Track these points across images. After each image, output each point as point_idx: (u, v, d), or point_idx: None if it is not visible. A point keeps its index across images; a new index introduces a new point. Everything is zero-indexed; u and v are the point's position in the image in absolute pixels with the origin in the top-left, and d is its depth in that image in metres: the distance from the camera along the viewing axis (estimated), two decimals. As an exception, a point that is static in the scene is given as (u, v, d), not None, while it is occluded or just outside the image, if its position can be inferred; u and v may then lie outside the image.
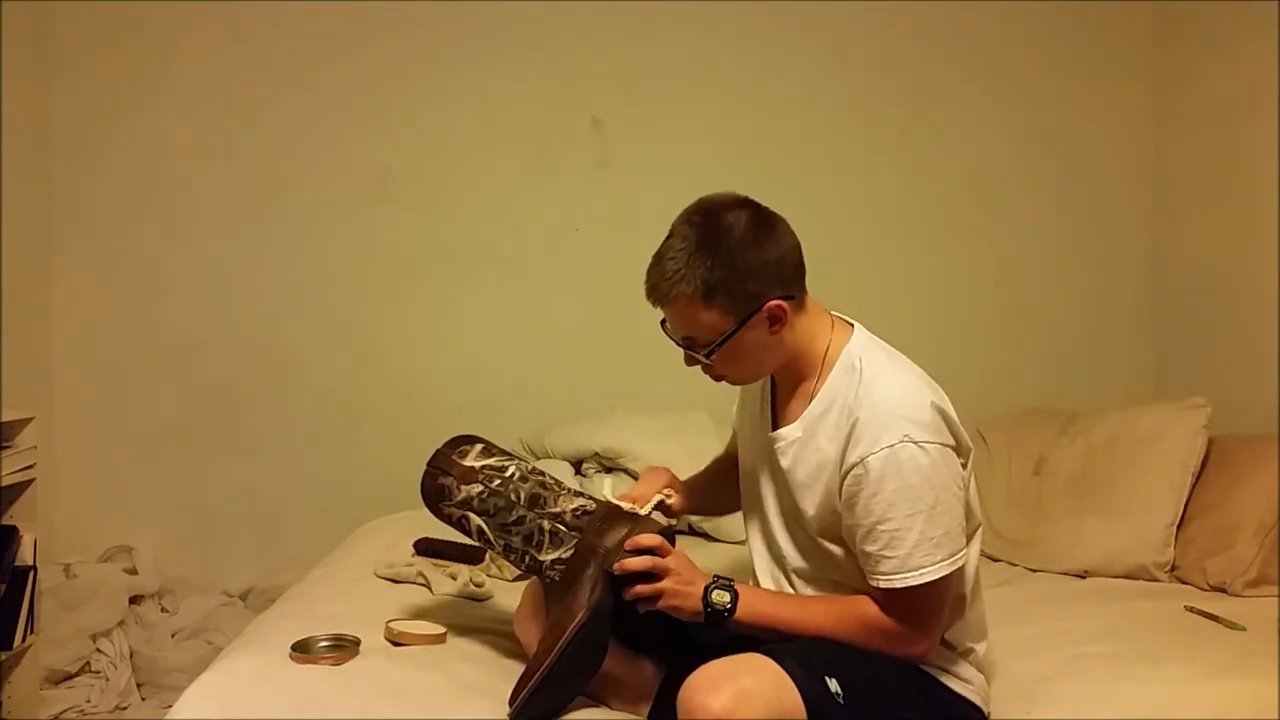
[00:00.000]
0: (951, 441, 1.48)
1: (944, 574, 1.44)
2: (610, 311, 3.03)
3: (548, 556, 1.61)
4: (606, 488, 1.71)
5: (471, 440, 1.73)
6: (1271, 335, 2.81)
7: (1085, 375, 3.35)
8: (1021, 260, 3.38)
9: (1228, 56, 3.05)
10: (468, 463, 1.68)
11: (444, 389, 3.21)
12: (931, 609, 1.48)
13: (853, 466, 1.45)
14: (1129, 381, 3.33)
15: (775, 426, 1.61)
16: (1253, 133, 2.91)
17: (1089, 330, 3.39)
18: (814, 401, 1.54)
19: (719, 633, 1.52)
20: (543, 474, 1.71)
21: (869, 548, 1.46)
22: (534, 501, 1.64)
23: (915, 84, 3.34)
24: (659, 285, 1.51)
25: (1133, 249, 3.38)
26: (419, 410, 3.20)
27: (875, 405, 1.47)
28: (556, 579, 1.60)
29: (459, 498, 1.66)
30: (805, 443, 1.54)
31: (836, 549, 1.54)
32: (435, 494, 1.70)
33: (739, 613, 1.49)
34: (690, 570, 1.52)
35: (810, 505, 1.54)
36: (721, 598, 1.48)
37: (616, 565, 1.51)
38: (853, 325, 1.60)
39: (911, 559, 1.43)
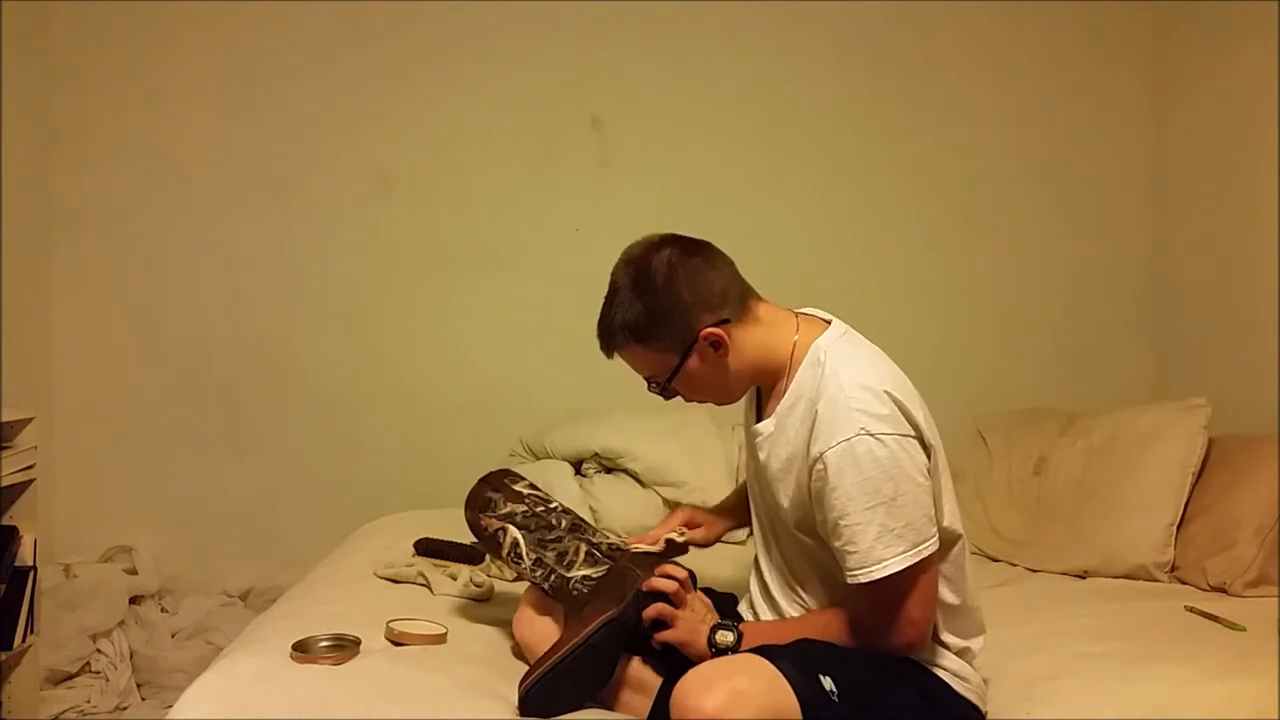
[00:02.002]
0: (912, 432, 1.48)
1: (908, 565, 1.44)
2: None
3: (577, 573, 1.67)
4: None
5: (521, 477, 1.87)
6: (1271, 335, 2.81)
7: (1085, 375, 3.35)
8: (1021, 260, 3.38)
9: (1228, 56, 3.05)
10: (517, 488, 1.82)
11: (444, 389, 3.22)
12: (903, 601, 1.47)
13: (815, 461, 1.48)
14: (1129, 381, 3.33)
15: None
16: (1253, 133, 2.91)
17: (1089, 330, 3.39)
18: (785, 396, 1.57)
19: None
20: (581, 518, 1.82)
21: (835, 543, 1.48)
22: (574, 528, 1.77)
23: (915, 84, 3.34)
24: (603, 339, 1.62)
25: (1133, 249, 3.38)
26: (419, 410, 3.20)
27: (833, 398, 1.49)
28: (584, 591, 1.66)
29: (502, 511, 1.77)
30: (777, 437, 1.57)
31: (811, 541, 1.56)
32: (481, 505, 1.80)
33: (742, 649, 1.52)
34: (704, 611, 1.60)
35: (785, 499, 1.57)
36: (725, 638, 1.53)
37: (646, 583, 1.58)
38: (829, 322, 1.62)
39: (874, 552, 1.43)
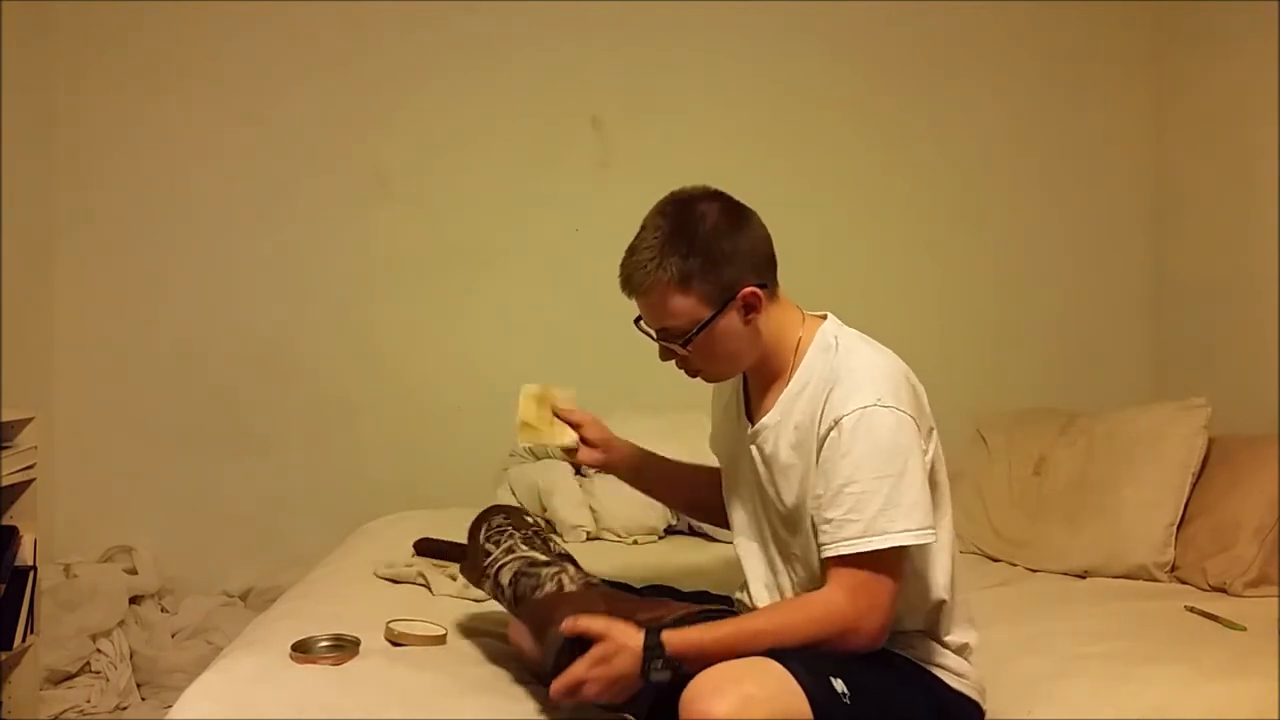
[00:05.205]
0: (920, 419, 1.49)
1: (908, 544, 1.42)
2: (610, 311, 3.00)
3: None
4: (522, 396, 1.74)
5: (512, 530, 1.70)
6: (1271, 335, 2.81)
7: (1085, 375, 3.35)
8: (1021, 260, 3.38)
9: (1228, 57, 3.05)
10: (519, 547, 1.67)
11: (444, 389, 3.21)
12: (883, 587, 1.42)
13: (828, 431, 1.46)
14: (1129, 381, 3.33)
15: (752, 424, 1.61)
16: (1253, 133, 2.91)
17: (1089, 330, 3.39)
18: (790, 383, 1.55)
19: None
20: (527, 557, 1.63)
21: (832, 514, 1.43)
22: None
23: (915, 84, 3.34)
24: (633, 275, 1.52)
25: (1133, 249, 3.38)
26: (419, 410, 3.20)
27: (852, 370, 1.49)
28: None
29: (501, 554, 1.66)
30: (783, 424, 1.55)
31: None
32: (490, 532, 1.70)
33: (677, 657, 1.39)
34: (613, 667, 1.39)
35: (790, 492, 1.54)
36: (661, 677, 1.37)
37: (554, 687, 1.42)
38: (825, 317, 1.61)
39: (877, 523, 1.41)
